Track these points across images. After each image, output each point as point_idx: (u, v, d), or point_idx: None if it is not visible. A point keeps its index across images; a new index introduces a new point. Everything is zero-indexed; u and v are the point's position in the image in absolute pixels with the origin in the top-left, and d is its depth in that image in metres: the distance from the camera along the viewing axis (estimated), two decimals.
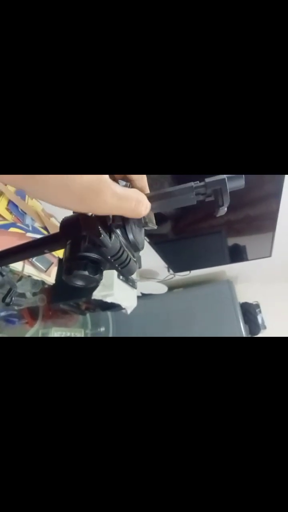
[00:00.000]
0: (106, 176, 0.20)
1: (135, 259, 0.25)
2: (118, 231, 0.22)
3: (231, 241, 1.72)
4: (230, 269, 2.17)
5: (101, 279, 0.25)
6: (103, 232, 0.21)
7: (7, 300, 0.40)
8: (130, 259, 0.24)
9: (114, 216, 0.22)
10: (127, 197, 0.21)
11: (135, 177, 0.25)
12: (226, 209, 0.26)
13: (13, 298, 0.39)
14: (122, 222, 0.23)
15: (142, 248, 0.25)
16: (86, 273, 0.23)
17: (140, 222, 0.25)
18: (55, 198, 0.19)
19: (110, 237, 0.21)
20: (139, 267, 0.28)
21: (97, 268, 0.23)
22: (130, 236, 0.23)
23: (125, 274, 0.25)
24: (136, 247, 0.24)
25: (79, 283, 0.24)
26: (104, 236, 0.21)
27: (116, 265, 0.24)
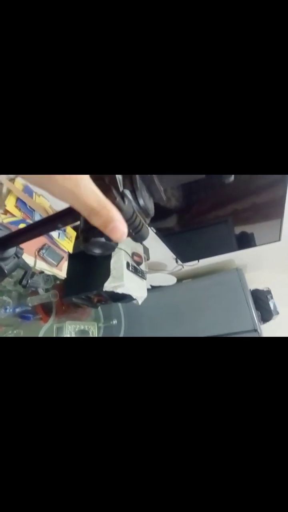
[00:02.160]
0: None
1: (146, 225, 0.26)
2: (129, 196, 0.24)
3: (238, 229, 1.71)
4: (238, 258, 2.16)
5: (117, 246, 0.26)
6: (117, 195, 0.22)
7: (24, 282, 0.41)
8: (143, 224, 0.25)
9: (124, 182, 0.23)
10: (88, 192, 0.21)
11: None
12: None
13: (29, 281, 0.40)
14: (132, 187, 0.24)
15: (152, 214, 0.26)
16: (103, 239, 0.24)
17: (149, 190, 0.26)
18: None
19: (124, 201, 0.23)
20: (148, 259, 0.30)
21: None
22: (141, 201, 0.24)
23: (138, 239, 0.26)
24: (147, 213, 0.25)
25: (97, 251, 0.25)
26: (119, 200, 0.22)
27: (130, 231, 0.25)
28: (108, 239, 0.25)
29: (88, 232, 0.24)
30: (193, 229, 1.64)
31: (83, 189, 0.20)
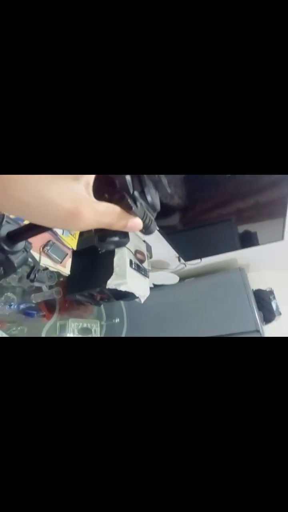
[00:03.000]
0: (84, 197, 0.21)
1: (154, 220, 0.27)
2: (139, 196, 0.24)
3: (241, 228, 1.72)
4: (241, 257, 2.16)
5: (128, 241, 0.27)
6: (133, 204, 0.23)
7: (31, 276, 0.42)
8: (151, 220, 0.26)
9: (133, 183, 0.24)
10: (106, 213, 0.23)
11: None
12: None
13: (36, 275, 0.41)
14: (141, 187, 0.24)
15: (159, 209, 0.27)
16: (117, 238, 0.26)
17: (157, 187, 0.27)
18: (40, 222, 0.22)
19: (136, 206, 0.24)
20: (150, 257, 0.31)
21: (125, 232, 0.26)
22: (149, 198, 0.25)
23: (147, 233, 0.27)
24: (154, 208, 0.26)
25: (111, 246, 0.27)
26: (134, 208, 0.23)
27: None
28: (121, 237, 0.26)
29: (104, 231, 0.26)
30: (196, 228, 1.65)
31: (102, 212, 0.22)
